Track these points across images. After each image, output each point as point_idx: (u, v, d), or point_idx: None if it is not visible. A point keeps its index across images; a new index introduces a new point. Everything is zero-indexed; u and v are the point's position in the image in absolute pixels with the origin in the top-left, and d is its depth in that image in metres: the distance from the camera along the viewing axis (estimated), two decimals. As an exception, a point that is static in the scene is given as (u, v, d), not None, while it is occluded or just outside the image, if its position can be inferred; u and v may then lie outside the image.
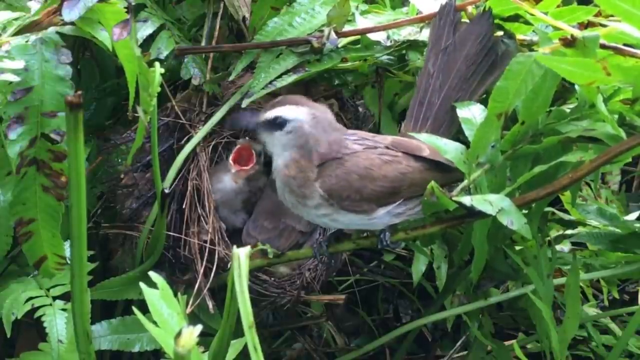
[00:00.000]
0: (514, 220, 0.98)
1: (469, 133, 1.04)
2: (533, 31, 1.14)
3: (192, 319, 1.18)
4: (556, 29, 1.07)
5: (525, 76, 0.94)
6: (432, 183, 1.00)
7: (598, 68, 0.86)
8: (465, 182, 1.04)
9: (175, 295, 0.88)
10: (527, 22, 1.13)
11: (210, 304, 1.22)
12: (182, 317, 0.86)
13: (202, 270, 1.22)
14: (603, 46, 0.97)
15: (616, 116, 1.01)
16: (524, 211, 1.08)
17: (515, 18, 1.15)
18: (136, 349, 1.20)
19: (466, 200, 0.98)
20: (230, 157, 1.31)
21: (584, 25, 1.14)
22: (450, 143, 1.04)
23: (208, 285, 1.22)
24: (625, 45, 0.99)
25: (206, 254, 1.23)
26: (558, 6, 1.10)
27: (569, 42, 0.92)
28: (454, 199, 1.01)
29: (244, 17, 1.32)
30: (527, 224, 1.00)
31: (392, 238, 1.09)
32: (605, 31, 1.01)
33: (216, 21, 1.34)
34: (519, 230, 0.98)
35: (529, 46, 1.11)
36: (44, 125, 0.96)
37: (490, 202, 0.98)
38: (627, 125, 1.01)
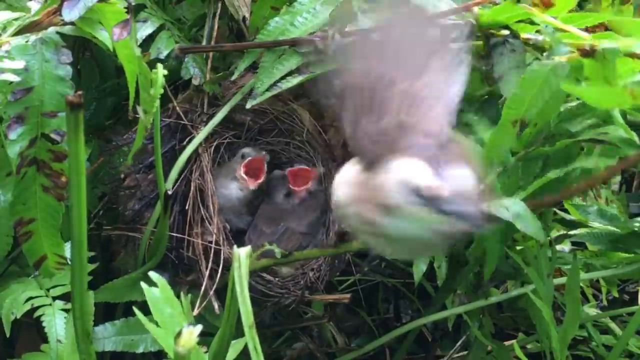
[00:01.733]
0: (529, 225, 0.96)
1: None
2: (537, 31, 1.13)
3: (198, 319, 1.17)
4: (563, 31, 1.05)
5: (542, 86, 0.92)
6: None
7: (625, 94, 0.82)
8: (479, 186, 1.03)
9: (179, 296, 0.88)
10: (532, 22, 1.12)
11: (216, 305, 1.21)
12: (184, 317, 0.86)
13: (207, 272, 1.21)
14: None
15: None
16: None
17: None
18: (140, 350, 1.19)
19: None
20: (242, 170, 1.32)
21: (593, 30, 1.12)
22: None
23: (215, 287, 1.21)
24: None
25: (211, 255, 1.23)
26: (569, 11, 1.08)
27: (588, 53, 0.90)
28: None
29: (244, 17, 1.31)
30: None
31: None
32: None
33: (216, 21, 1.33)
34: (535, 235, 0.97)
35: (535, 46, 1.09)
36: (44, 125, 0.96)
37: (506, 207, 0.97)
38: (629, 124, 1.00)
